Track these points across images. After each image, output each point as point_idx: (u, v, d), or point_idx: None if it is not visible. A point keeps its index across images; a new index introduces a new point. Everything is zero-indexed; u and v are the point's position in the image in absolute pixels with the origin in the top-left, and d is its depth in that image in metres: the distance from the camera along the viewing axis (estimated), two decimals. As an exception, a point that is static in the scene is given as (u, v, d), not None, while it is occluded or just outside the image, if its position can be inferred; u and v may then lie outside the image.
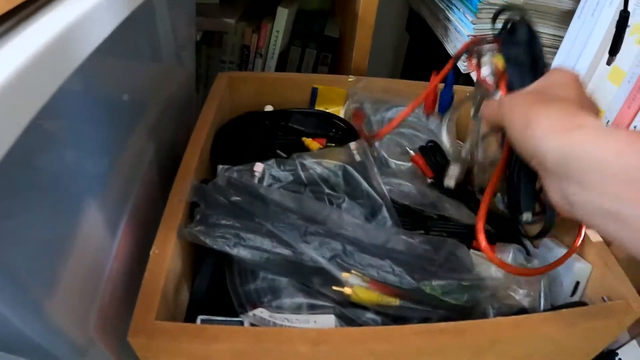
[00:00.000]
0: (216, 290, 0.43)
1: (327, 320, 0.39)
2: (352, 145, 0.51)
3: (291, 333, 0.35)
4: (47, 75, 0.25)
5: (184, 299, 0.46)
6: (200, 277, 0.43)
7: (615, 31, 0.63)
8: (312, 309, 0.41)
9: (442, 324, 0.37)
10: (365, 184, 0.48)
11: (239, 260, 0.43)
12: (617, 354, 0.57)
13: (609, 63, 0.62)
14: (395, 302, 0.40)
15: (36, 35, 0.25)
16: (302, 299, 0.41)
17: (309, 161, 0.49)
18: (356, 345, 0.35)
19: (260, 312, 0.39)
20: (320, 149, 0.56)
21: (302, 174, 0.48)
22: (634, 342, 0.55)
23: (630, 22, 0.63)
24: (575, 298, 0.49)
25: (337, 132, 0.62)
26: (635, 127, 0.60)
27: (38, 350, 0.33)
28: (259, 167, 0.49)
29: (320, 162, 0.48)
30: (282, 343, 0.34)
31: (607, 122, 0.66)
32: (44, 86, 0.25)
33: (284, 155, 0.54)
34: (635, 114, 0.60)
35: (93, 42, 0.31)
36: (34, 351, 0.34)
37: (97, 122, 0.39)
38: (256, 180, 0.49)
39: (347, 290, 0.40)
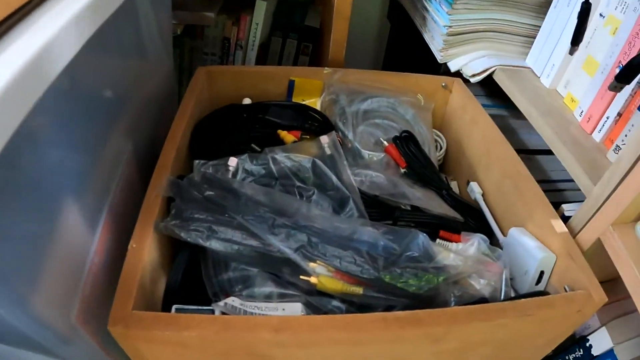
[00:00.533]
0: (191, 280, 0.46)
1: (294, 308, 0.42)
2: (323, 139, 0.54)
3: (255, 321, 0.38)
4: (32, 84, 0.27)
5: (162, 290, 0.49)
6: (174, 268, 0.46)
7: (577, 21, 0.65)
8: (282, 297, 0.44)
9: (399, 313, 0.40)
10: (334, 177, 0.51)
11: (212, 252, 0.46)
12: (587, 340, 0.59)
13: (571, 53, 0.64)
14: (358, 290, 0.43)
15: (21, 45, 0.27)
16: (272, 288, 0.44)
17: (280, 155, 0.51)
18: (316, 333, 0.38)
19: (232, 301, 0.42)
20: (294, 142, 0.59)
21: (273, 167, 0.51)
22: (604, 329, 0.57)
23: (605, 12, 0.65)
24: (541, 287, 0.52)
25: (313, 124, 0.64)
26: (607, 118, 0.62)
27: (25, 339, 0.36)
28: (233, 161, 0.52)
29: (290, 156, 0.51)
30: (247, 330, 0.37)
31: (581, 112, 0.67)
32: (30, 93, 0.27)
33: (257, 149, 0.56)
34: (608, 105, 0.62)
35: (77, 45, 0.33)
36: (21, 340, 0.37)
37: (77, 118, 0.41)
38: (230, 175, 0.51)
39: (313, 279, 0.43)
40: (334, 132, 0.56)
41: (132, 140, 0.55)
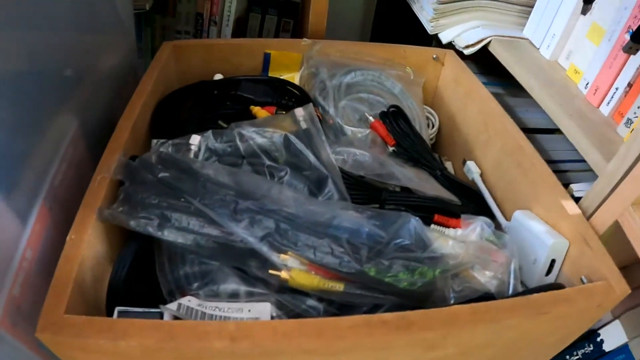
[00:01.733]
0: (142, 277, 0.39)
1: (262, 309, 0.35)
2: (298, 111, 0.47)
3: (207, 327, 0.30)
4: None
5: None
6: (119, 263, 0.38)
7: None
8: (250, 296, 0.37)
9: (386, 315, 0.33)
10: (310, 155, 0.43)
11: (167, 243, 0.38)
12: (598, 334, 0.53)
13: (584, 12, 0.57)
14: (339, 287, 0.36)
15: None
16: (236, 285, 0.37)
17: (248, 131, 0.44)
18: (283, 341, 0.30)
19: (188, 301, 0.35)
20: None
21: (240, 145, 0.44)
22: (617, 322, 0.51)
23: (611, -25, 0.59)
24: (551, 278, 0.45)
25: (291, 100, 0.57)
26: (616, 89, 0.56)
27: None
28: (195, 139, 0.45)
29: (260, 131, 0.44)
30: (196, 339, 0.30)
31: (587, 84, 0.61)
32: None
33: (224, 125, 0.49)
34: (617, 75, 0.55)
35: None
36: None
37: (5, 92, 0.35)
38: (192, 155, 0.44)
39: (283, 274, 0.35)
40: (310, 104, 0.48)
41: (79, 119, 0.47)
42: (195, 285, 0.37)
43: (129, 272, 0.37)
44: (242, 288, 0.37)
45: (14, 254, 0.37)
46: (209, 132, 0.46)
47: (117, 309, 0.35)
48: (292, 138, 0.44)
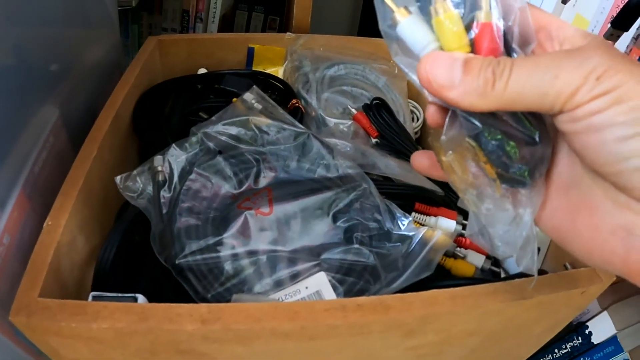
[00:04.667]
0: (128, 262, 0.39)
1: (319, 280, 0.36)
2: (247, 96, 0.47)
3: (179, 310, 0.30)
4: None
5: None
6: (107, 246, 0.38)
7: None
8: (296, 277, 0.37)
9: (361, 299, 0.32)
10: (284, 123, 0.44)
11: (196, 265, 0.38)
12: (587, 326, 0.52)
13: (564, 2, 0.58)
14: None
15: None
16: (276, 275, 0.37)
17: (211, 129, 0.44)
18: (255, 324, 0.30)
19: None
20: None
21: (209, 143, 0.43)
22: (605, 313, 0.50)
23: (594, -37, 0.59)
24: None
25: (274, 93, 0.57)
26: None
27: None
28: (158, 160, 0.43)
29: (222, 128, 0.43)
30: (168, 322, 0.30)
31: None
32: None
33: (205, 116, 0.49)
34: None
35: None
36: None
37: None
38: (163, 176, 0.42)
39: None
40: (254, 86, 0.49)
41: (61, 110, 0.47)
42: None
43: (116, 256, 0.37)
44: (284, 273, 0.37)
45: (-10, 240, 0.37)
46: (171, 148, 0.43)
47: (91, 294, 0.35)
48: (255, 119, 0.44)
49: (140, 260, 0.41)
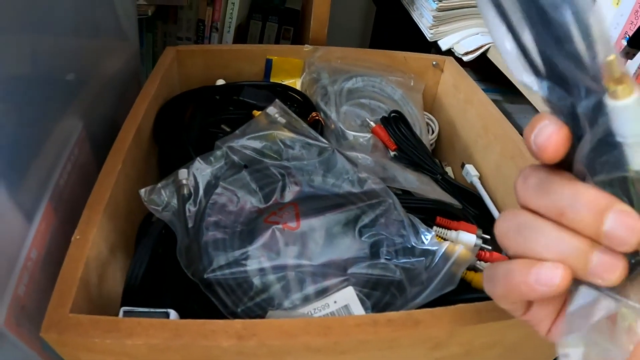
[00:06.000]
0: (157, 277, 0.38)
1: (347, 295, 0.35)
2: (270, 110, 0.46)
3: (214, 326, 0.30)
4: None
5: (119, 291, 0.41)
6: (136, 261, 0.37)
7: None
8: (322, 293, 0.37)
9: (392, 314, 0.32)
10: (309, 135, 0.43)
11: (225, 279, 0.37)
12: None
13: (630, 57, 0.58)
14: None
15: None
16: (305, 290, 0.37)
17: (236, 143, 0.43)
18: (288, 339, 0.30)
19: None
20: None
21: (234, 158, 0.43)
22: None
23: None
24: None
25: (293, 105, 0.57)
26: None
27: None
28: (183, 174, 0.42)
29: (247, 143, 0.43)
30: (203, 337, 0.29)
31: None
32: None
33: (227, 129, 0.49)
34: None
35: None
36: None
37: (16, 95, 0.35)
38: (187, 190, 0.42)
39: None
40: (277, 100, 0.48)
41: (84, 121, 0.47)
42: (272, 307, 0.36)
43: (145, 271, 0.37)
44: (313, 287, 0.37)
45: (20, 253, 0.36)
46: (196, 161, 0.43)
47: (122, 309, 0.34)
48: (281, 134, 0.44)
49: (166, 274, 0.40)
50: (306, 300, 0.36)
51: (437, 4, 0.70)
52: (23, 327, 0.36)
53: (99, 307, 0.38)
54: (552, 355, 0.47)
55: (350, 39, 1.10)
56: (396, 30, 0.94)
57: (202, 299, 0.38)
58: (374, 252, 0.40)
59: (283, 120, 0.45)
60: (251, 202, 0.41)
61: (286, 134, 0.44)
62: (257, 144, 0.44)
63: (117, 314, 0.37)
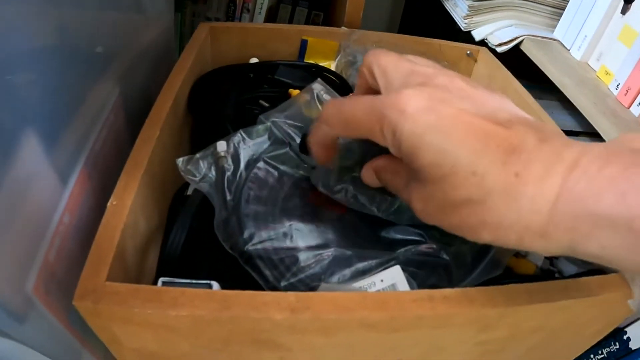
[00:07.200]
0: (196, 250, 0.35)
1: (395, 274, 0.32)
2: (315, 85, 0.43)
3: (265, 297, 0.27)
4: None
5: (153, 262, 0.38)
6: (177, 230, 0.34)
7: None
8: (364, 273, 0.34)
9: (447, 291, 0.29)
10: None
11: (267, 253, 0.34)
12: (625, 332, 0.50)
13: (623, 12, 0.55)
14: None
15: None
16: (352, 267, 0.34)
17: (279, 118, 0.40)
18: (344, 313, 0.27)
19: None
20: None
21: (278, 134, 0.40)
22: (646, 319, 0.48)
23: (643, -22, 0.57)
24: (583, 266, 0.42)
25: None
26: (648, 90, 0.54)
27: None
28: (221, 146, 0.39)
29: (288, 120, 0.40)
30: (253, 310, 0.26)
31: (617, 85, 0.59)
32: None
33: (266, 104, 0.46)
34: (650, 76, 0.54)
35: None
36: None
37: (56, 61, 0.32)
38: (229, 161, 0.39)
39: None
40: (319, 79, 0.45)
41: (120, 88, 0.44)
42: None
43: (186, 243, 0.34)
44: (360, 265, 0.34)
45: (52, 216, 0.33)
46: (237, 134, 0.40)
47: (161, 279, 0.31)
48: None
49: (201, 246, 0.37)
50: (352, 277, 0.33)
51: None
52: (51, 296, 0.33)
53: (134, 278, 0.35)
54: (583, 346, 0.44)
55: (378, 24, 1.07)
56: (426, 18, 0.91)
57: (239, 274, 0.35)
58: (422, 233, 0.37)
59: (328, 97, 0.42)
60: (294, 178, 0.38)
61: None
62: (300, 121, 0.41)
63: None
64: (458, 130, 0.24)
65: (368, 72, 0.31)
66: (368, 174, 0.33)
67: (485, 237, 0.25)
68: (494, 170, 0.23)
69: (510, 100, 0.28)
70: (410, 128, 0.25)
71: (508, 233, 0.24)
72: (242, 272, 0.34)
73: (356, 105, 0.29)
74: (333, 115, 0.30)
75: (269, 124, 0.40)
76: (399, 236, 0.36)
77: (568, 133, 0.71)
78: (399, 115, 0.25)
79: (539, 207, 0.22)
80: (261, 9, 0.76)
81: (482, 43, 0.70)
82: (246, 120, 0.43)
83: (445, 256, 0.36)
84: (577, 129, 0.69)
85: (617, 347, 0.51)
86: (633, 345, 0.50)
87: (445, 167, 0.24)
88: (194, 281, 0.30)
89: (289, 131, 0.40)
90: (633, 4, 0.57)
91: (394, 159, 0.30)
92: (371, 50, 0.31)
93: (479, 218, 0.24)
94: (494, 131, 0.24)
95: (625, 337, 0.51)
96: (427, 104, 0.25)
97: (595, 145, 0.23)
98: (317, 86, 0.43)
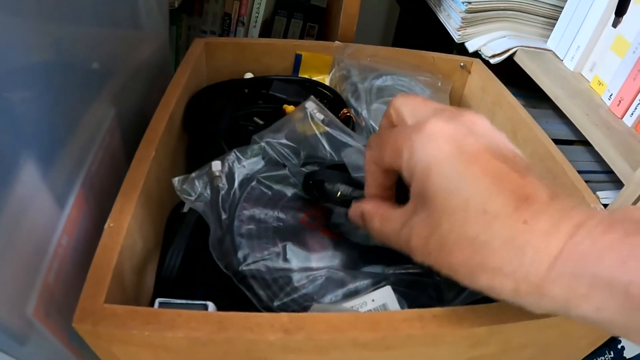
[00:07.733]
0: (191, 268, 0.36)
1: (386, 293, 0.33)
2: (309, 105, 0.44)
3: (260, 319, 0.28)
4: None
5: (150, 282, 0.39)
6: (173, 251, 0.35)
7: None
8: (355, 293, 0.35)
9: (437, 310, 0.30)
10: (345, 137, 0.41)
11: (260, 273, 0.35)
12: (619, 341, 0.51)
13: (614, 25, 0.56)
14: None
15: None
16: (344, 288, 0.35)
17: (273, 138, 0.41)
18: (336, 334, 0.28)
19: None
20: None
21: (272, 154, 0.41)
22: (639, 329, 0.49)
23: (636, -11, 0.58)
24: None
25: (322, 101, 0.55)
26: (641, 101, 0.54)
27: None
28: (216, 165, 0.40)
29: (283, 140, 0.41)
30: (248, 331, 0.27)
31: (610, 96, 0.60)
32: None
33: (260, 122, 0.47)
34: (641, 87, 0.54)
35: None
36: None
37: (53, 80, 0.33)
38: (222, 181, 0.40)
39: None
40: (312, 96, 0.46)
41: (116, 109, 0.45)
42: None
43: (182, 262, 0.35)
44: (351, 286, 0.35)
45: (51, 239, 0.34)
46: (231, 153, 0.41)
47: (157, 300, 0.32)
48: (330, 131, 0.41)
49: (197, 266, 0.38)
50: (344, 297, 0.34)
51: (466, 5, 0.68)
52: (51, 318, 0.34)
53: (132, 297, 0.36)
54: (581, 355, 0.45)
55: (372, 37, 1.08)
56: (420, 31, 0.92)
57: (233, 294, 0.36)
58: None
59: (321, 117, 0.43)
60: (288, 197, 0.39)
61: (322, 130, 0.42)
62: (294, 141, 0.42)
63: (149, 306, 0.35)
64: (477, 166, 0.25)
65: (395, 114, 0.31)
66: (356, 216, 0.34)
67: (481, 282, 0.25)
68: (504, 213, 0.24)
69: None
70: (432, 151, 0.26)
71: (506, 280, 0.24)
72: (238, 290, 0.36)
73: (391, 132, 0.30)
74: (373, 139, 0.32)
75: (263, 144, 0.41)
76: (390, 255, 0.37)
77: (562, 142, 0.72)
78: (424, 137, 0.26)
79: (541, 259, 0.23)
80: (256, 22, 0.77)
81: (476, 54, 0.71)
82: (241, 137, 0.44)
83: (436, 276, 0.37)
84: (572, 137, 0.70)
85: (612, 355, 0.52)
86: (628, 354, 0.51)
87: (458, 199, 0.25)
88: (190, 302, 0.31)
89: (283, 151, 0.41)
90: (624, 17, 0.58)
91: (381, 204, 0.32)
92: (399, 94, 0.32)
93: (480, 260, 0.25)
94: (511, 177, 0.25)
95: (619, 346, 0.52)
96: (453, 134, 0.26)
97: (600, 211, 0.24)
98: (311, 105, 0.44)
